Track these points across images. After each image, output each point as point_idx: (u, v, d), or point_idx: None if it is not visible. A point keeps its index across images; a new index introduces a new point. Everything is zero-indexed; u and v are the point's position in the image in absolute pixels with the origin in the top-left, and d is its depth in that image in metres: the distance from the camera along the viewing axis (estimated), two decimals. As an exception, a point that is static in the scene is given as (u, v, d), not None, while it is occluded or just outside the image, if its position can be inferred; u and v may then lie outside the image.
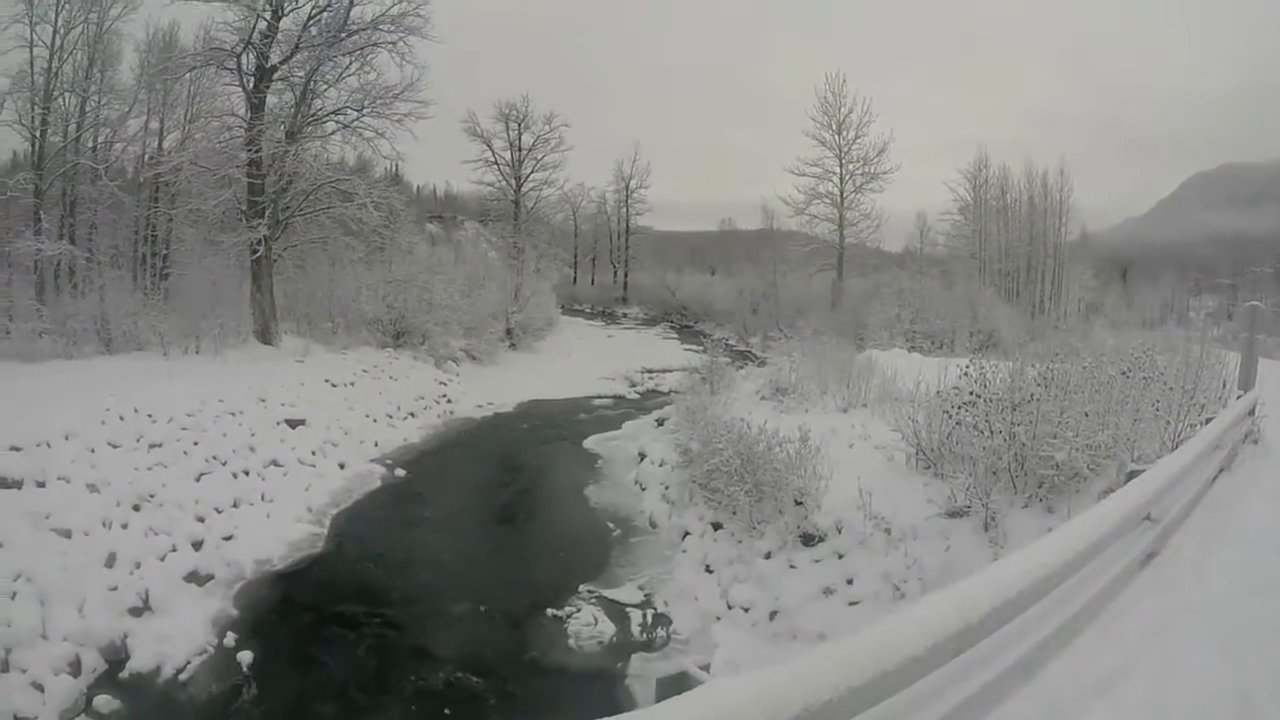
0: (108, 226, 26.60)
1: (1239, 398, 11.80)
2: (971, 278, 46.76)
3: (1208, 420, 9.70)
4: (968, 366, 12.77)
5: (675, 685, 9.84)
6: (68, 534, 11.53)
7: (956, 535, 10.48)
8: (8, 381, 16.48)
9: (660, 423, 23.42)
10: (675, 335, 53.88)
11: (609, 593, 13.04)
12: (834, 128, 49.37)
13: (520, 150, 50.90)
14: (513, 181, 50.71)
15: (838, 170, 49.66)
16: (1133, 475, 6.31)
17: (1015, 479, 10.74)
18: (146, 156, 27.34)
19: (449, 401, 26.96)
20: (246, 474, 15.67)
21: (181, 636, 10.70)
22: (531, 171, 51.22)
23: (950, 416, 12.27)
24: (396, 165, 34.29)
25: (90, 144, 25.93)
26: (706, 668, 10.52)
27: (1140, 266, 79.39)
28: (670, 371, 34.84)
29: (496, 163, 50.69)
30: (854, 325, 38.94)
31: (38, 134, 24.31)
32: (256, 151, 24.83)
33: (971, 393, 12.04)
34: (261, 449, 16.76)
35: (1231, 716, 4.23)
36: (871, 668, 2.73)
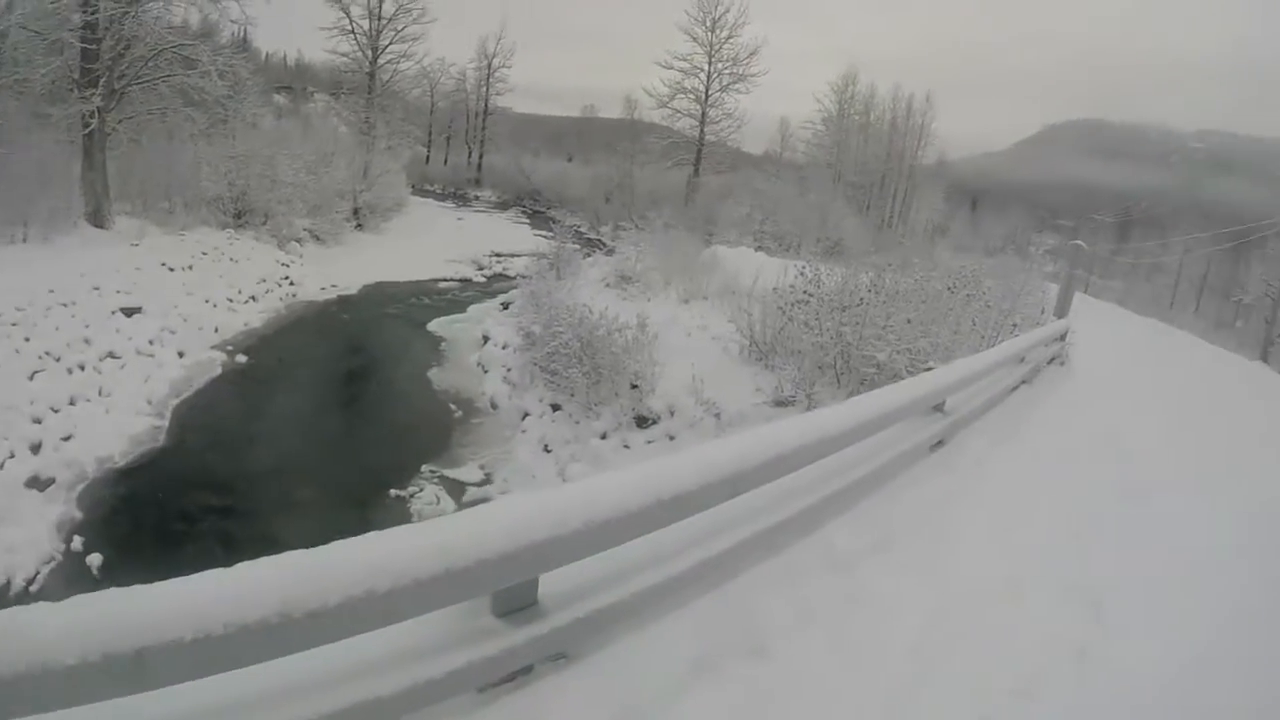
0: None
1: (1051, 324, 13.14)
2: (825, 187, 48.21)
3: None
4: (804, 268, 13.68)
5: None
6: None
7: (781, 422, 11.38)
8: None
9: (505, 306, 23.56)
10: (527, 221, 53.29)
11: (450, 472, 13.42)
12: (708, 24, 49.53)
13: (380, 19, 47.76)
14: (369, 52, 47.80)
15: (705, 67, 50.05)
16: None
17: (840, 375, 11.77)
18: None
19: (292, 284, 26.00)
20: (82, 369, 14.91)
21: (28, 546, 10.37)
22: (390, 43, 48.45)
23: (784, 313, 13.16)
24: (245, 30, 31.99)
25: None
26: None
27: (991, 199, 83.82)
28: (519, 256, 34.82)
29: (353, 31, 47.67)
30: (705, 221, 39.88)
31: None
32: (93, 13, 22.86)
33: (806, 292, 12.98)
34: (97, 341, 15.94)
35: (999, 592, 5.02)
36: (647, 496, 3.33)
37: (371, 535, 2.70)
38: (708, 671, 3.60)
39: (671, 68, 50.31)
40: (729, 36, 49.62)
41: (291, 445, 14.31)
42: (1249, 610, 5.54)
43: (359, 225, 36.89)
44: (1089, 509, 6.96)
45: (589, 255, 30.41)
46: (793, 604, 4.24)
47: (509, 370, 17.33)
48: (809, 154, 57.22)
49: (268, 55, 69.48)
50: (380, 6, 47.36)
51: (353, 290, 27.31)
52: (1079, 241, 16.94)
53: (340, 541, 2.59)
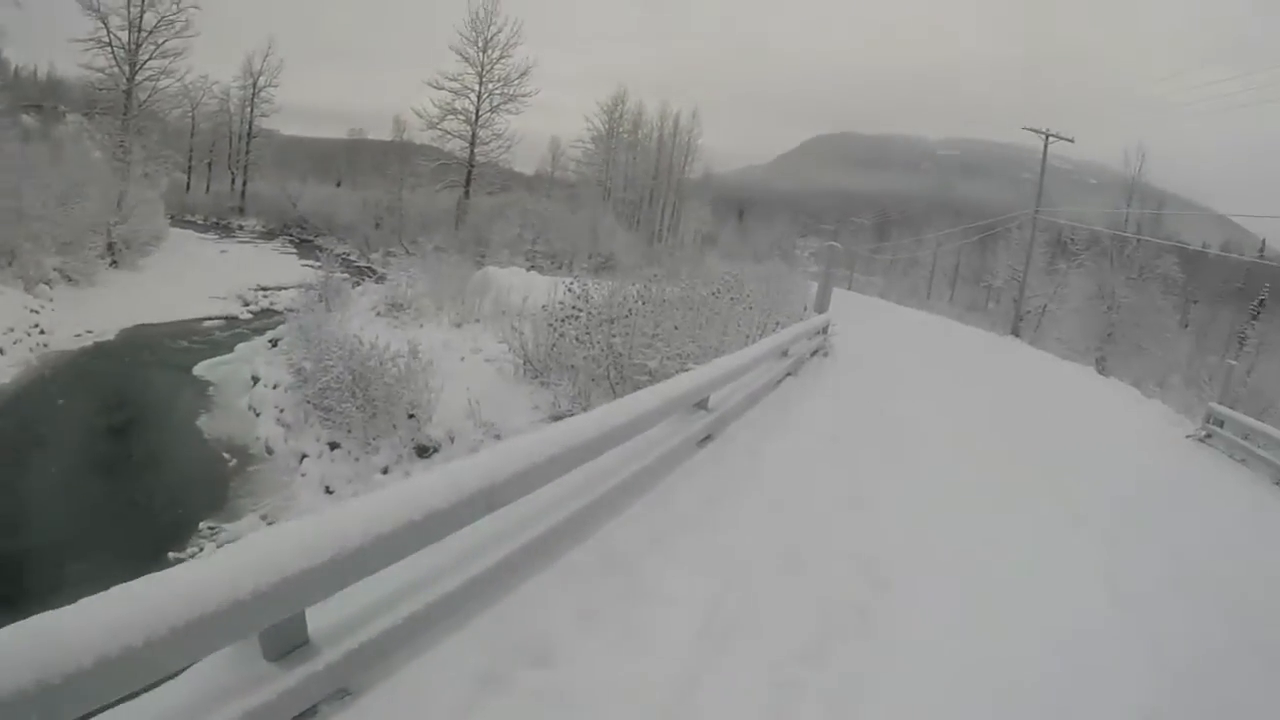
0: None
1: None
2: (596, 204, 49.11)
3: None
4: (572, 283, 13.79)
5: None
6: None
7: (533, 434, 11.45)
8: None
9: (274, 343, 22.58)
10: (294, 250, 50.97)
11: (231, 526, 12.69)
12: (480, 45, 49.26)
13: (140, 31, 44.51)
14: (126, 68, 44.24)
15: (477, 88, 49.68)
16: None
17: (614, 385, 11.86)
18: None
19: (43, 333, 23.71)
20: None
21: None
22: (149, 58, 45.05)
23: (555, 329, 13.22)
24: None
25: None
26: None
27: (758, 208, 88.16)
28: (286, 289, 33.25)
29: (110, 44, 44.00)
30: (476, 244, 39.68)
31: None
32: None
33: (575, 308, 13.07)
34: None
35: (778, 567, 5.23)
36: (399, 518, 3.20)
37: (119, 588, 2.48)
38: (495, 686, 3.52)
39: (442, 88, 49.44)
40: (500, 57, 49.42)
41: (54, 518, 12.99)
42: (1024, 563, 6.26)
43: (114, 262, 33.62)
44: (858, 478, 7.48)
45: (359, 284, 29.44)
46: (574, 608, 4.23)
47: (282, 411, 16.57)
48: (580, 172, 57.98)
49: (17, 69, 62.96)
50: (141, 18, 43.83)
51: (110, 335, 25.34)
52: (834, 243, 17.91)
53: (87, 599, 2.37)
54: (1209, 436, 14.45)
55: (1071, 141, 37.19)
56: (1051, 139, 36.94)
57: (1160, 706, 4.53)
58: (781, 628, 4.46)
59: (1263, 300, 54.75)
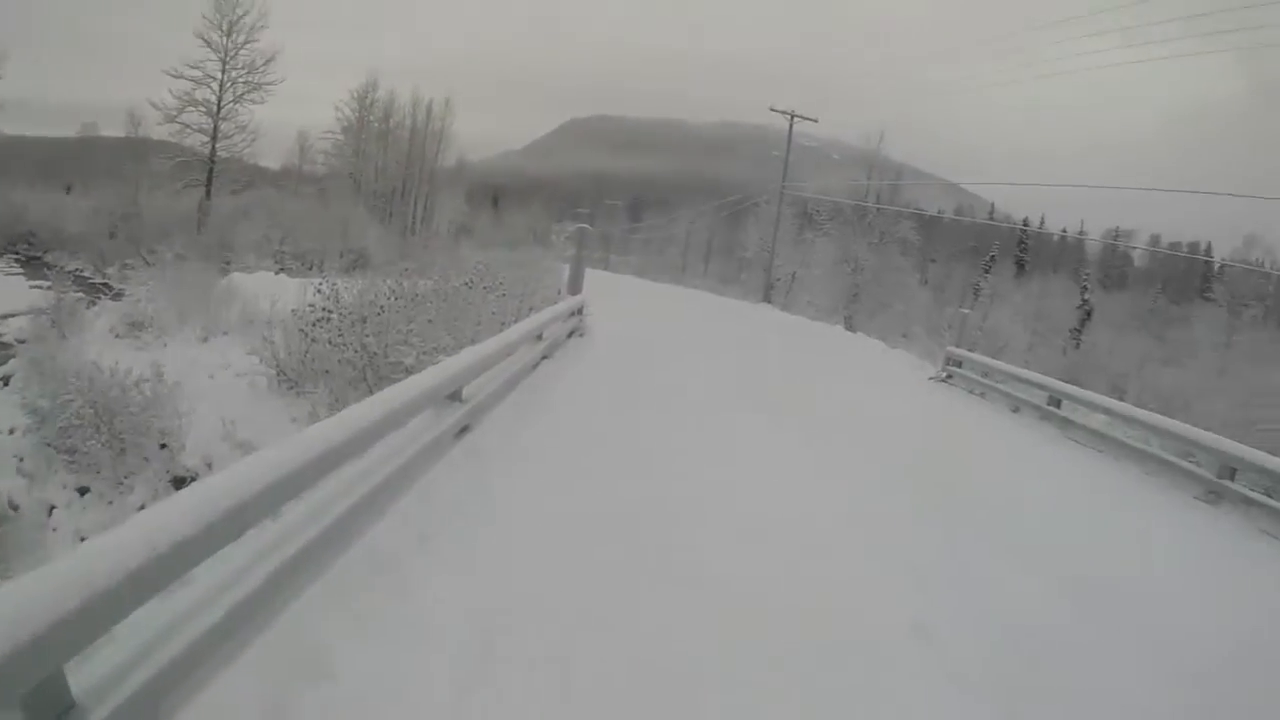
0: None
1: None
2: (347, 198, 47.83)
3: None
4: (321, 284, 13.44)
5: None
6: None
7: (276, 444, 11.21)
8: None
9: (5, 382, 20.75)
10: (21, 270, 45.66)
11: None
12: (224, 29, 46.70)
13: None
14: None
15: (219, 76, 47.12)
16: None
17: (372, 387, 11.67)
18: None
19: None
20: None
21: None
22: None
23: (306, 335, 12.87)
24: None
25: None
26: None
27: (514, 195, 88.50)
28: (15, 316, 30.46)
29: None
30: (221, 248, 37.80)
31: None
32: None
33: (326, 310, 12.76)
34: None
35: (546, 548, 5.40)
36: (145, 551, 2.96)
37: None
38: (281, 713, 3.45)
39: (182, 76, 46.43)
40: (246, 41, 47.12)
41: None
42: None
43: None
44: (619, 450, 7.81)
45: (95, 303, 27.43)
46: (348, 618, 4.17)
47: (22, 460, 15.16)
48: (329, 165, 56.63)
49: None
50: None
51: None
52: (584, 225, 18.17)
53: None
54: (949, 377, 16.40)
55: (815, 121, 40.15)
56: (796, 119, 39.29)
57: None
58: (557, 606, 4.64)
59: (993, 256, 65.19)
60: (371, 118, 55.66)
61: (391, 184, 54.96)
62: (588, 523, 5.85)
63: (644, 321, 19.51)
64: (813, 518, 6.78)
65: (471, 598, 4.61)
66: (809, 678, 4.30)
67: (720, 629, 4.59)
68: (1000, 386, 14.98)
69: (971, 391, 15.49)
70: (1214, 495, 9.85)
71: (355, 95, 55.13)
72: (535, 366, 10.62)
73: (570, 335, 13.23)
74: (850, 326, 33.28)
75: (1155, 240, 72.90)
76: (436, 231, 52.89)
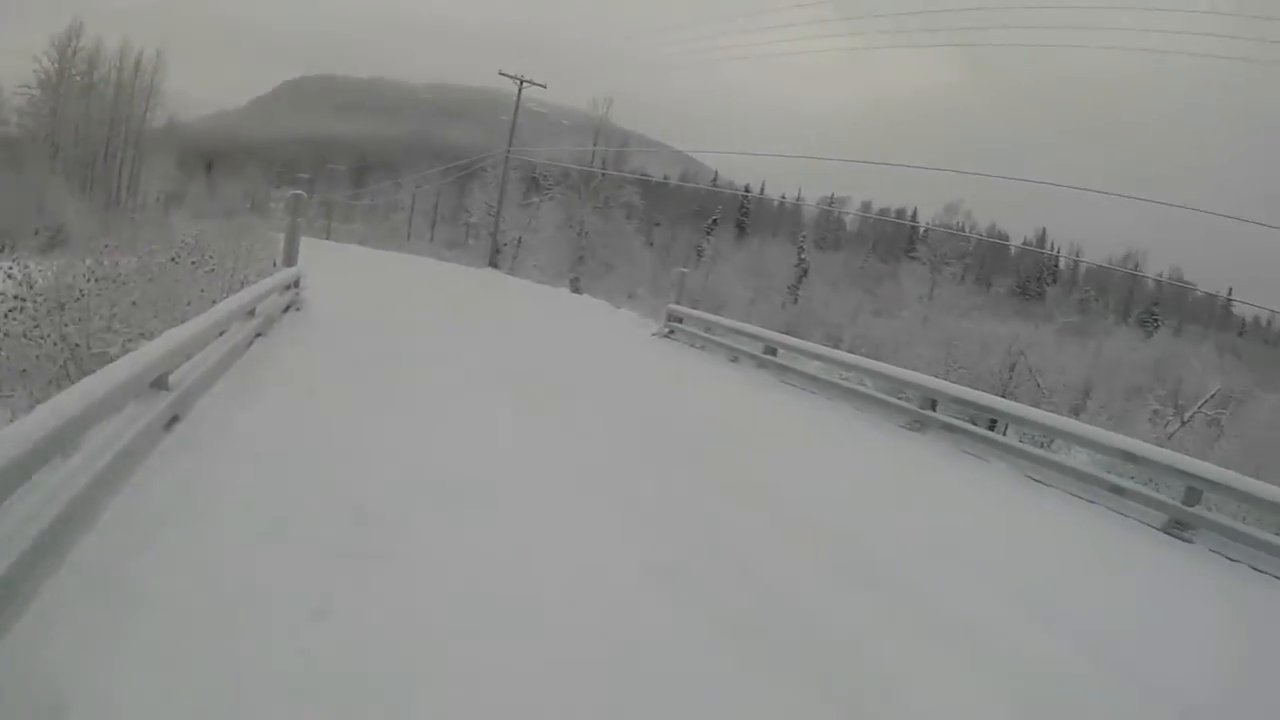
0: None
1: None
2: (43, 165, 43.24)
3: (245, 295, 11.21)
4: (11, 267, 12.35)
5: None
6: None
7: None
8: None
9: None
10: None
11: None
12: None
13: None
14: None
15: None
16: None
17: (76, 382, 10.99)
18: None
19: None
20: None
21: None
22: None
23: (-4, 329, 11.83)
24: None
25: None
26: None
27: (230, 159, 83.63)
28: None
29: None
30: None
31: None
32: None
33: (17, 297, 11.69)
34: None
35: (269, 534, 5.23)
36: None
37: None
38: None
39: None
40: None
41: None
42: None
43: None
44: (342, 426, 7.88)
45: None
46: (83, 642, 3.83)
47: None
48: (24, 126, 50.29)
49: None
50: None
51: None
52: (299, 192, 17.73)
53: None
54: (672, 333, 17.60)
55: (544, 87, 40.33)
56: (525, 84, 39.39)
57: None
58: (286, 597, 4.50)
59: (715, 220, 68.91)
60: (74, 70, 50.51)
61: (94, 148, 49.95)
62: (303, 514, 5.68)
63: (363, 290, 19.72)
64: (548, 465, 7.55)
65: (187, 600, 4.39)
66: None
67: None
68: (721, 340, 16.39)
69: (692, 345, 16.78)
70: (918, 424, 11.57)
71: (56, 43, 49.88)
72: (249, 345, 10.39)
73: (286, 310, 13.04)
74: (577, 289, 34.21)
75: (867, 206, 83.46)
76: (144, 201, 49.34)
